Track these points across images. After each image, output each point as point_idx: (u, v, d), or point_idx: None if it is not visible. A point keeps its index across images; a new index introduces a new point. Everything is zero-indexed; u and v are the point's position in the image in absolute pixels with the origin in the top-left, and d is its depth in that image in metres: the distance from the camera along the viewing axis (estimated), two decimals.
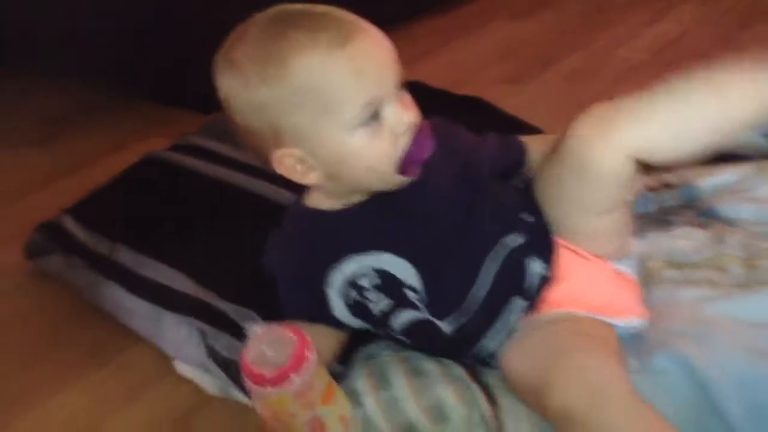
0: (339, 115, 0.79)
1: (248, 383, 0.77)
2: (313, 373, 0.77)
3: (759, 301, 0.90)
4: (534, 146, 1.04)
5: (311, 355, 0.76)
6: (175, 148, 1.44)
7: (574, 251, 0.94)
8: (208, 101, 1.81)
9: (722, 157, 1.27)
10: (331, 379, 0.84)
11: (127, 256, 1.16)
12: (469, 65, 1.99)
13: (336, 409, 0.84)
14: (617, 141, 0.84)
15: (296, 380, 0.75)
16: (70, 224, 1.25)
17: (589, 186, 0.88)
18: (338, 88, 0.78)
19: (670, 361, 0.85)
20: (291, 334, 0.77)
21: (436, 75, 1.77)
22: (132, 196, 1.32)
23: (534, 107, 1.63)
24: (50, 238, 1.24)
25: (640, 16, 2.18)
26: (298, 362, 0.75)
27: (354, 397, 0.90)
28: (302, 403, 0.78)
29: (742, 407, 0.79)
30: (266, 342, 0.76)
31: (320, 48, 0.77)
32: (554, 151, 0.90)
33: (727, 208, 1.10)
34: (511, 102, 1.61)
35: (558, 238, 0.94)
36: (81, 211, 1.28)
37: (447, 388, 0.88)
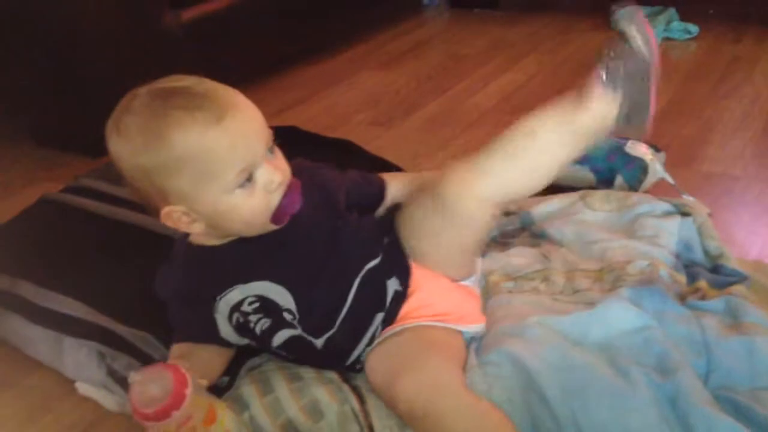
0: (218, 180, 0.88)
1: (136, 419, 0.84)
2: (191, 405, 0.84)
3: (571, 305, 1.07)
4: (393, 182, 1.15)
5: (188, 391, 0.83)
6: (67, 189, 1.51)
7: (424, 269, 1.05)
8: (95, 146, 1.88)
9: (555, 188, 1.48)
10: (213, 400, 0.91)
11: (28, 290, 1.22)
12: (341, 110, 2.09)
13: (219, 427, 0.90)
14: (482, 194, 0.98)
15: (176, 414, 0.82)
16: None
17: (461, 230, 1.01)
18: (215, 159, 0.87)
19: (501, 356, 0.97)
20: (168, 373, 0.83)
21: (311, 119, 1.89)
22: (30, 234, 1.37)
23: (397, 148, 1.78)
24: None
25: (489, 68, 2.35)
26: (176, 399, 0.82)
27: (241, 402, 0.99)
28: (187, 430, 0.86)
29: (558, 388, 0.92)
30: (148, 381, 0.83)
31: (198, 124, 0.86)
32: (423, 195, 1.02)
33: (554, 230, 1.28)
34: (377, 144, 1.77)
35: (413, 261, 1.05)
36: None
37: (321, 389, 0.99)
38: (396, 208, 1.10)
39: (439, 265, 1.05)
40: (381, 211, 1.14)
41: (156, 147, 0.86)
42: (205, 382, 0.92)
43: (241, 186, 0.89)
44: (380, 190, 1.14)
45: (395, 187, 1.15)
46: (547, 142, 1.00)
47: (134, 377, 0.83)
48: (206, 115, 0.86)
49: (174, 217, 0.92)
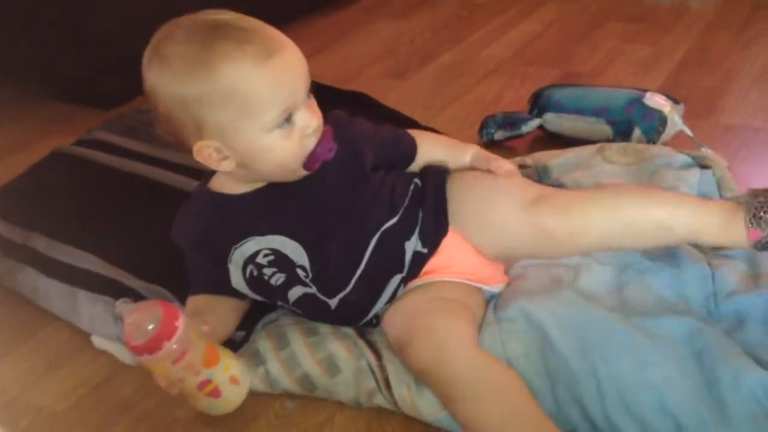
0: (258, 117, 0.88)
1: (131, 354, 0.86)
2: (184, 340, 0.85)
3: (588, 260, 1.05)
4: (425, 143, 1.14)
5: (180, 324, 0.84)
6: (80, 143, 1.50)
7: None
8: (107, 98, 1.88)
9: (571, 141, 1.46)
10: (215, 345, 0.93)
11: (41, 243, 1.22)
12: (355, 62, 2.07)
13: (223, 371, 0.92)
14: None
15: (167, 346, 0.83)
16: None
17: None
18: (260, 96, 0.87)
19: (516, 311, 0.97)
20: (158, 306, 0.85)
21: (325, 71, 1.88)
22: (42, 188, 1.37)
23: (412, 100, 1.77)
24: None
25: (505, 17, 2.30)
26: (166, 330, 0.83)
27: (257, 356, 1.00)
28: (184, 367, 0.87)
29: (575, 342, 0.91)
30: (141, 316, 0.84)
31: (248, 59, 0.85)
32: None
33: (571, 181, 1.26)
34: (392, 96, 1.74)
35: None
36: None
37: (338, 343, 1.00)
38: (428, 170, 1.10)
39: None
40: (417, 166, 1.13)
41: (202, 77, 0.86)
42: (206, 328, 0.93)
43: (280, 126, 0.89)
44: (411, 150, 1.13)
45: (428, 148, 1.14)
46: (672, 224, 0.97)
47: (123, 309, 0.84)
48: (257, 50, 0.86)
49: (205, 153, 0.91)
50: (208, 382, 0.91)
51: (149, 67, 0.89)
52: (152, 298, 0.89)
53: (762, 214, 0.92)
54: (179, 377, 0.88)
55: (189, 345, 0.86)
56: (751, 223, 0.92)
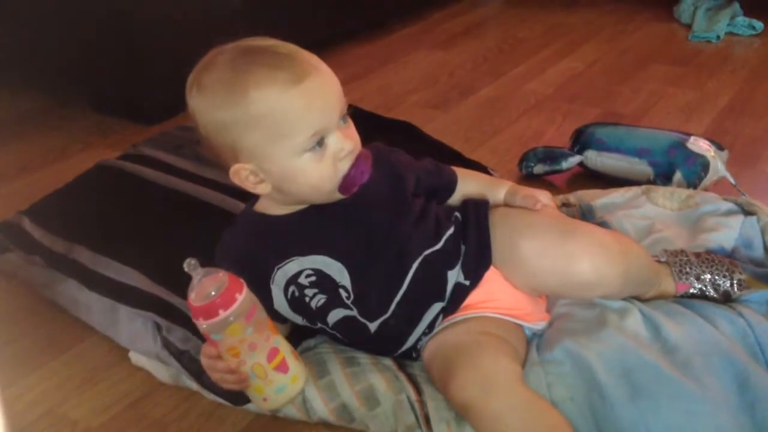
0: (290, 140, 0.89)
1: (200, 323, 0.86)
2: (240, 312, 0.86)
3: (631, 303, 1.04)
4: (466, 180, 1.14)
5: (239, 296, 0.86)
6: (125, 157, 1.50)
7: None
8: (149, 114, 1.89)
9: (614, 182, 1.45)
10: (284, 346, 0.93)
11: (84, 256, 1.22)
12: (395, 90, 2.08)
13: (284, 343, 0.93)
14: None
15: (223, 314, 0.84)
16: (27, 225, 1.30)
17: None
18: (291, 119, 0.89)
19: (563, 353, 0.96)
20: (225, 276, 0.87)
21: (365, 98, 1.89)
22: (86, 200, 1.37)
23: (451, 131, 1.77)
24: (9, 237, 1.29)
25: (547, 53, 2.31)
26: (225, 299, 0.84)
27: None
28: (256, 327, 0.88)
29: (624, 389, 0.90)
30: (208, 281, 0.86)
31: (277, 84, 0.88)
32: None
33: (615, 220, 1.25)
34: (432, 126, 1.74)
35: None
36: (37, 213, 1.34)
37: (378, 376, 0.99)
38: (468, 203, 1.09)
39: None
40: (453, 201, 1.13)
41: (235, 102, 0.89)
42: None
43: (311, 150, 0.90)
44: (452, 181, 1.13)
45: (469, 184, 1.14)
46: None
47: (192, 269, 0.85)
48: (286, 75, 0.88)
49: (242, 176, 0.93)
50: (276, 350, 0.91)
51: (190, 93, 0.93)
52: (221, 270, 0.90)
53: (688, 269, 1.08)
54: (251, 341, 0.88)
55: (255, 304, 0.88)
56: (679, 278, 1.07)
